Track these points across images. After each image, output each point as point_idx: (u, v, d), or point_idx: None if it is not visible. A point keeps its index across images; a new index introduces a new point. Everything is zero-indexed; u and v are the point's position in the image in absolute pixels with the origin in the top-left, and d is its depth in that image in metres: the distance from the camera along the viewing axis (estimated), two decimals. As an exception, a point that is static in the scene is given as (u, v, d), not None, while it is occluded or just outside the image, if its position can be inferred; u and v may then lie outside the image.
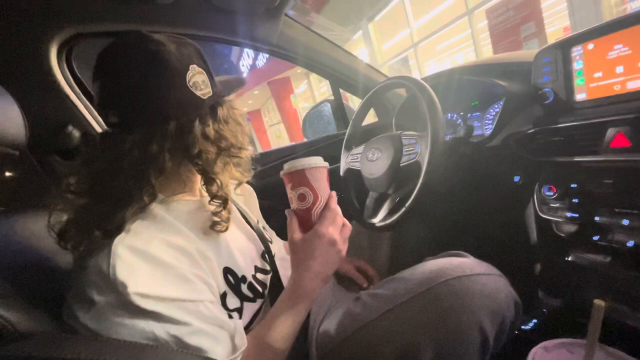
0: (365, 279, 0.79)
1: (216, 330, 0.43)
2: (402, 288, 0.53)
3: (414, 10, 5.68)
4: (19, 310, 0.38)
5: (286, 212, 0.55)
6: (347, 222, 0.55)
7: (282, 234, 0.67)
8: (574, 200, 0.62)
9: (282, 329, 0.49)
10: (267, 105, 12.17)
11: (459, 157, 0.85)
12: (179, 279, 0.42)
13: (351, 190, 0.97)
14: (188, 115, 0.47)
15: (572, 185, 0.62)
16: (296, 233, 0.52)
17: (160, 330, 0.38)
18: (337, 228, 0.52)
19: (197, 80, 0.48)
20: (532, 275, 0.71)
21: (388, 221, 0.79)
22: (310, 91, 9.20)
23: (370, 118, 1.40)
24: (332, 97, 1.37)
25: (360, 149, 0.95)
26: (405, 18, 5.73)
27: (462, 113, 1.06)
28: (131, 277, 0.38)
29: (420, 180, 0.70)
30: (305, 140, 1.41)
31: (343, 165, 1.00)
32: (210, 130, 0.50)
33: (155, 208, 0.47)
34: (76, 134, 0.84)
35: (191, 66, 0.47)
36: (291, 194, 0.53)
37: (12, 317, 0.37)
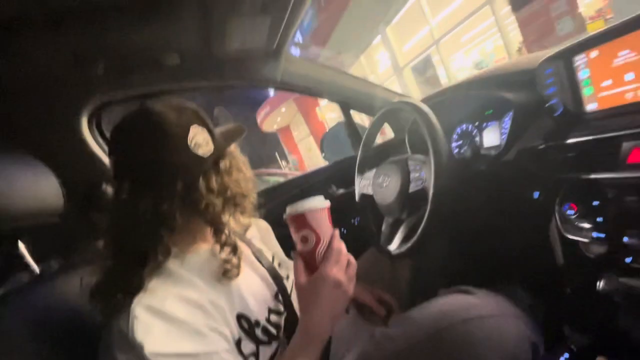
0: (385, 309, 0.77)
1: None
2: (410, 330, 0.52)
3: (430, 6, 5.54)
4: None
5: (292, 254, 0.56)
6: (352, 259, 0.55)
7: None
8: (597, 219, 0.57)
9: None
10: (295, 120, 12.45)
11: (472, 175, 0.82)
12: (193, 334, 0.45)
13: (367, 216, 0.97)
14: (192, 174, 0.51)
15: (594, 203, 0.57)
16: (302, 277, 0.52)
17: None
18: (341, 268, 0.52)
19: (198, 140, 0.52)
20: (559, 304, 0.66)
21: (402, 249, 0.78)
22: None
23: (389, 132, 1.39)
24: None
25: (371, 173, 0.95)
26: (423, 16, 5.60)
27: (477, 123, 1.02)
28: (147, 337, 0.42)
29: (428, 209, 0.69)
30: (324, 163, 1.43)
31: (358, 190, 1.01)
32: (214, 184, 0.54)
33: (170, 263, 0.51)
34: (109, 190, 0.93)
35: (191, 127, 0.51)
36: (295, 237, 0.54)
37: None
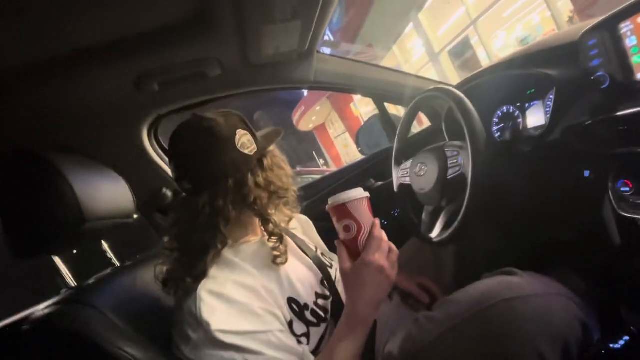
0: (429, 296, 0.78)
1: (286, 357, 0.50)
2: (454, 311, 0.53)
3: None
4: (142, 348, 0.52)
5: (335, 242, 0.60)
6: (393, 246, 0.57)
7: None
8: (657, 194, 0.53)
9: (344, 355, 0.53)
10: (331, 118, 12.49)
11: (516, 159, 0.79)
12: (250, 314, 0.52)
13: (407, 206, 0.97)
14: (241, 171, 0.59)
15: (652, 178, 0.54)
16: (346, 263, 0.56)
17: (240, 359, 0.48)
18: (383, 254, 0.54)
19: (244, 140, 0.59)
20: (616, 286, 0.62)
21: (444, 236, 0.78)
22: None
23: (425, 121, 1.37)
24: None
25: (408, 163, 0.96)
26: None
27: (519, 104, 0.97)
28: (213, 316, 0.49)
29: (467, 195, 0.69)
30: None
31: (395, 181, 1.02)
32: (261, 180, 0.61)
33: (226, 253, 0.59)
34: (169, 193, 1.05)
35: (237, 131, 0.59)
36: (337, 226, 0.58)
37: (138, 354, 0.50)
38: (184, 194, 0.64)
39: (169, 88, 0.92)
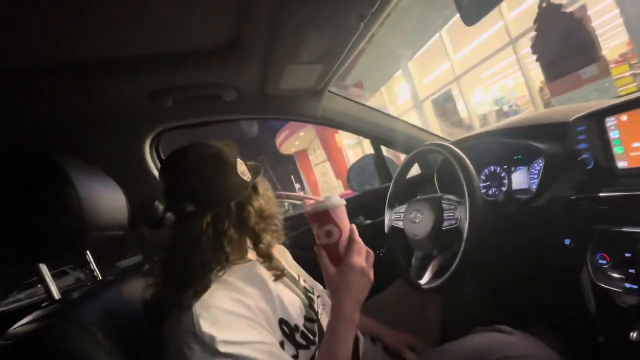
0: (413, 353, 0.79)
1: None
2: None
3: (453, 44, 5.74)
4: None
5: (315, 248, 0.62)
6: (369, 250, 0.62)
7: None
8: (630, 270, 0.60)
9: (340, 355, 0.55)
10: (313, 145, 12.69)
11: (503, 218, 0.86)
12: (249, 326, 0.52)
13: (397, 248, 1.01)
14: (242, 195, 0.61)
15: (627, 255, 0.61)
16: (330, 267, 0.59)
17: None
18: (363, 257, 0.59)
19: (242, 168, 0.63)
20: (592, 351, 0.67)
21: (434, 284, 0.81)
22: (353, 129, 9.44)
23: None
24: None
25: (402, 208, 1.00)
26: (444, 53, 5.79)
27: (505, 166, 1.06)
28: (214, 328, 0.48)
29: (462, 248, 0.73)
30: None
31: (387, 223, 1.05)
32: (258, 204, 0.64)
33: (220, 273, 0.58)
34: (160, 207, 1.02)
35: (237, 159, 0.62)
36: (318, 231, 0.60)
37: None
38: (184, 214, 0.63)
39: (182, 105, 0.93)
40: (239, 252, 0.64)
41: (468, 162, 0.79)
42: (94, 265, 0.79)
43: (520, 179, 1.01)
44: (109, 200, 0.66)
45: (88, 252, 0.80)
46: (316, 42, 0.75)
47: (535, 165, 0.96)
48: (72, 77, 0.70)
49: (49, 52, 0.63)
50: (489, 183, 1.08)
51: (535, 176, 0.95)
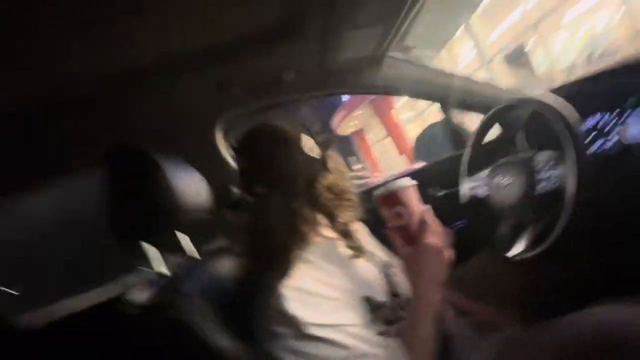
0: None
1: (376, 351, 0.50)
2: (567, 339, 0.49)
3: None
4: (232, 341, 0.53)
5: (387, 231, 0.60)
6: (446, 229, 0.59)
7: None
8: None
9: (421, 340, 0.54)
10: (370, 123, 12.37)
11: (618, 175, 0.72)
12: (336, 308, 0.52)
13: (479, 218, 0.92)
14: (310, 172, 0.60)
15: None
16: (404, 249, 0.57)
17: (333, 353, 0.47)
18: (437, 236, 0.56)
19: (309, 145, 0.61)
20: None
21: (531, 253, 0.72)
22: (410, 102, 8.94)
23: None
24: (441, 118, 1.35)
25: (484, 173, 0.91)
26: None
27: (615, 112, 0.88)
28: (302, 311, 0.49)
29: (566, 210, 0.63)
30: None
31: (464, 192, 0.97)
32: (327, 180, 0.62)
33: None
34: (234, 190, 1.09)
35: (302, 136, 0.61)
36: (388, 214, 0.58)
37: (230, 348, 0.52)
38: (256, 196, 0.65)
39: (246, 91, 0.96)
40: (316, 230, 0.65)
41: (567, 110, 0.67)
42: (190, 247, 0.88)
43: (636, 127, 0.83)
44: (193, 186, 0.72)
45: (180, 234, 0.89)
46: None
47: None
48: (147, 80, 0.77)
49: (137, 55, 0.70)
50: (594, 134, 0.91)
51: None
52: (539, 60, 5.50)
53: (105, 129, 0.88)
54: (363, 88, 1.10)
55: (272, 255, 0.57)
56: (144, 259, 0.76)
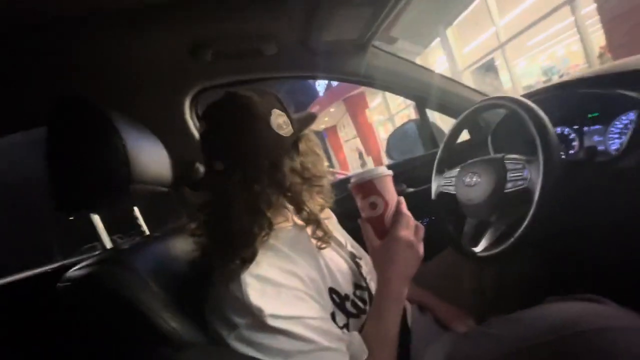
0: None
1: (335, 345, 0.48)
2: (523, 332, 0.49)
3: (499, 6, 5.22)
4: (181, 321, 0.48)
5: (359, 221, 0.58)
6: (419, 224, 0.57)
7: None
8: None
9: (384, 334, 0.53)
10: (343, 121, 12.48)
11: (579, 183, 0.75)
12: (298, 299, 0.48)
13: (445, 216, 0.94)
14: (276, 153, 0.54)
15: None
16: (374, 241, 0.56)
17: (290, 346, 0.44)
18: (411, 230, 0.55)
19: (280, 121, 0.54)
20: None
21: (493, 251, 0.74)
22: (384, 105, 9.14)
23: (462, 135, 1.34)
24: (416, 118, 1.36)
25: (454, 172, 0.92)
26: (488, 17, 5.30)
27: (576, 127, 0.93)
28: (262, 301, 0.45)
29: (533, 210, 0.65)
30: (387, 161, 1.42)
31: (435, 189, 0.98)
32: (296, 164, 0.56)
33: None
34: (201, 169, 1.01)
35: (273, 110, 0.54)
36: (362, 204, 0.56)
37: (178, 327, 0.46)
38: (215, 173, 0.59)
39: (221, 60, 0.89)
40: (283, 215, 0.61)
41: (542, 113, 0.69)
42: (142, 221, 0.80)
43: (594, 141, 0.88)
44: (153, 155, 0.64)
45: (136, 208, 0.81)
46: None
47: (617, 123, 0.83)
48: (112, 24, 0.68)
49: None
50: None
51: (617, 136, 0.83)
52: (504, 78, 5.87)
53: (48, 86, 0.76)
54: (344, 74, 1.07)
55: (233, 240, 0.51)
56: (90, 231, 0.68)
